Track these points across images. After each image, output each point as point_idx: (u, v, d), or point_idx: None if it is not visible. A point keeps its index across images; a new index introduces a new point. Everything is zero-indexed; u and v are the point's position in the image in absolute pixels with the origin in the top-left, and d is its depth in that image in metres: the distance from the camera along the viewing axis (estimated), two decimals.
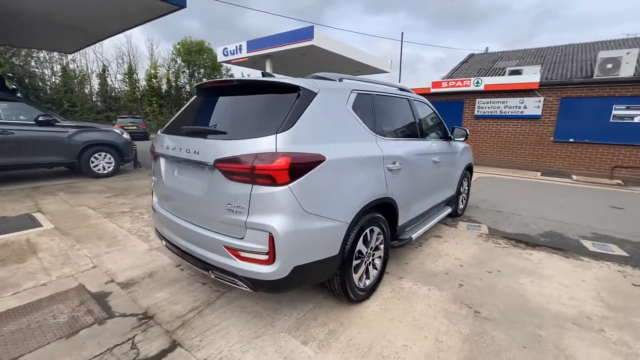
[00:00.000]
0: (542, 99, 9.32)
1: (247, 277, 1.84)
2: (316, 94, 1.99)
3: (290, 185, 1.73)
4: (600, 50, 13.07)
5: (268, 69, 16.85)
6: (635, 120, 8.19)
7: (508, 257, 3.39)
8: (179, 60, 32.31)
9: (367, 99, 2.51)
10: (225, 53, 17.69)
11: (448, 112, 10.98)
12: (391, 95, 2.94)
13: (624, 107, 8.31)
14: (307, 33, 13.80)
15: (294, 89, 1.97)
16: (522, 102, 9.64)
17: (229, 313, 2.30)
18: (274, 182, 1.72)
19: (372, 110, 2.52)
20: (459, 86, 10.43)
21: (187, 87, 33.08)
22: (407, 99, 3.22)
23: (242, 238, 1.83)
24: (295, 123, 1.83)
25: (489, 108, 10.25)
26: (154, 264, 3.00)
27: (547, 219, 4.81)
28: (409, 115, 3.16)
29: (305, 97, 1.94)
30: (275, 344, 1.99)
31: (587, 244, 3.84)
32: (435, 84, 10.98)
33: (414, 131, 3.19)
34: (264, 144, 1.76)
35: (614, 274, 3.08)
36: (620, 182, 8.16)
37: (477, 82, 10.11)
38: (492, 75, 12.05)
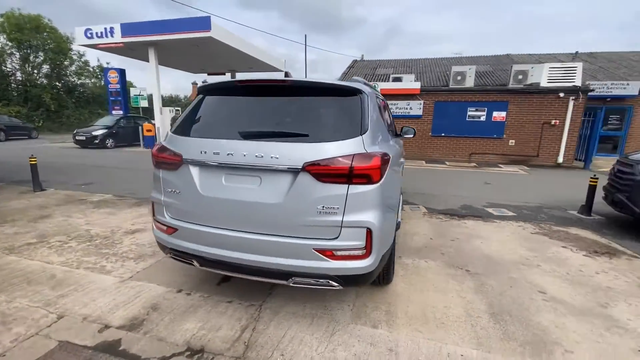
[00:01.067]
0: (422, 102, 11.61)
1: (339, 275, 1.86)
2: (368, 96, 2.14)
3: (380, 182, 1.86)
4: (450, 64, 17.05)
5: (152, 59, 14.76)
6: (482, 119, 11.27)
7: (455, 228, 4.31)
8: (1, 38, 24.06)
9: (377, 101, 2.79)
10: (89, 35, 14.53)
11: None
12: (381, 97, 3.30)
13: (474, 109, 11.29)
14: (203, 23, 12.81)
15: (355, 91, 2.07)
16: (408, 104, 11.73)
17: (285, 322, 2.21)
18: (369, 181, 1.81)
19: (381, 111, 2.81)
20: None
21: (20, 74, 25.08)
22: (384, 100, 3.65)
23: (336, 237, 1.84)
24: (368, 125, 1.95)
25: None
26: (145, 296, 2.49)
27: (455, 196, 6.21)
28: (388, 116, 3.61)
29: (364, 100, 2.07)
30: (353, 335, 2.08)
31: (490, 210, 5.23)
32: None
33: (394, 130, 3.66)
34: (355, 146, 1.83)
35: (517, 229, 4.36)
36: (475, 164, 11.06)
37: (374, 87, 11.68)
38: (376, 80, 14.07)
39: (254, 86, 2.18)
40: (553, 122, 10.47)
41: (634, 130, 12.51)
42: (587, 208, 5.02)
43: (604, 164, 10.99)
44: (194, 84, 32.15)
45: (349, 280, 1.91)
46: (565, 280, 2.89)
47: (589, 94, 10.42)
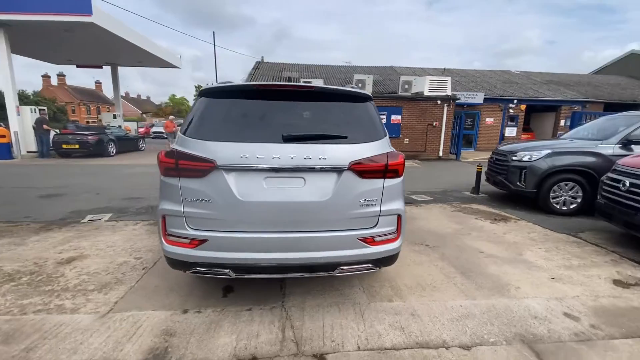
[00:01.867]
0: None
1: (377, 259, 2.13)
2: (373, 101, 2.47)
3: (403, 175, 2.21)
4: (349, 72, 18.86)
5: (1, 44, 11.34)
6: (383, 122, 12.99)
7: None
8: None
9: None
10: None
11: None
12: None
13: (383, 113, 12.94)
14: (81, 5, 10.62)
15: (367, 97, 2.35)
16: None
17: (316, 314, 2.33)
18: (397, 175, 2.14)
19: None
20: None
21: None
22: None
23: (375, 225, 2.10)
24: (384, 126, 2.28)
25: None
26: (148, 324, 2.19)
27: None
28: None
29: (373, 105, 2.39)
30: (379, 311, 2.38)
31: (414, 197, 6.28)
32: None
33: None
34: (383, 146, 2.13)
35: (440, 209, 5.44)
36: None
37: None
38: (282, 83, 14.52)
39: (274, 90, 2.22)
40: (435, 124, 13.03)
41: (482, 130, 16.68)
42: (477, 189, 6.63)
43: (468, 155, 14.36)
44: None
45: (384, 262, 2.21)
46: (490, 242, 3.89)
47: (456, 101, 13.40)
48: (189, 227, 2.04)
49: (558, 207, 5.08)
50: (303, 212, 2.03)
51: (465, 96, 15.49)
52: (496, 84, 18.45)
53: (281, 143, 2.02)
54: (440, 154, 13.36)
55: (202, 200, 2.00)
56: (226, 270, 2.05)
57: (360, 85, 13.98)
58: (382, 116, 12.47)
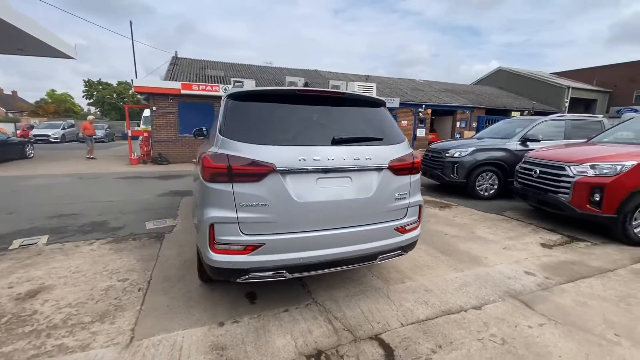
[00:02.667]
0: None
1: (406, 245, 2.43)
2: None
3: (421, 171, 2.56)
4: (275, 73, 18.89)
5: None
6: None
7: None
8: None
9: None
10: None
11: (200, 113, 11.58)
12: None
13: None
14: None
15: (383, 103, 2.63)
16: None
17: (351, 304, 2.52)
18: (418, 171, 2.47)
19: None
20: (209, 90, 11.29)
21: None
22: None
23: (405, 216, 2.40)
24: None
25: None
26: (188, 343, 2.05)
27: None
28: None
29: (386, 109, 2.69)
30: (400, 292, 2.70)
31: None
32: (186, 86, 11.06)
33: None
34: (407, 146, 2.44)
35: None
36: None
37: (225, 89, 11.51)
38: (210, 82, 13.73)
39: (310, 96, 2.32)
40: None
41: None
42: None
43: None
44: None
45: (410, 247, 2.53)
46: (447, 225, 4.63)
47: None
48: (243, 233, 1.99)
49: (482, 193, 6.30)
50: (351, 209, 2.20)
51: (386, 100, 17.26)
52: (407, 91, 21.07)
53: (330, 145, 2.15)
54: None
55: (258, 204, 1.98)
56: (282, 272, 2.07)
57: (292, 87, 14.28)
58: None
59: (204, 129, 4.88)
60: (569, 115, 6.83)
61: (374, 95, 14.22)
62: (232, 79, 13.64)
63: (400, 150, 2.39)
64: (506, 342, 2.09)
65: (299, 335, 2.14)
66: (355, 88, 13.81)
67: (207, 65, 19.05)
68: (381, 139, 2.36)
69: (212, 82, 12.95)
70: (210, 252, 2.01)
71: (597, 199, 3.86)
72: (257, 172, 1.98)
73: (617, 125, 5.39)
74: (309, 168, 2.07)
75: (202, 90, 11.18)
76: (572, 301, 2.60)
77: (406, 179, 2.41)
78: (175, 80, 12.35)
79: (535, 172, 4.64)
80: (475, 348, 2.03)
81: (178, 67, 17.91)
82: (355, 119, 2.46)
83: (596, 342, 2.10)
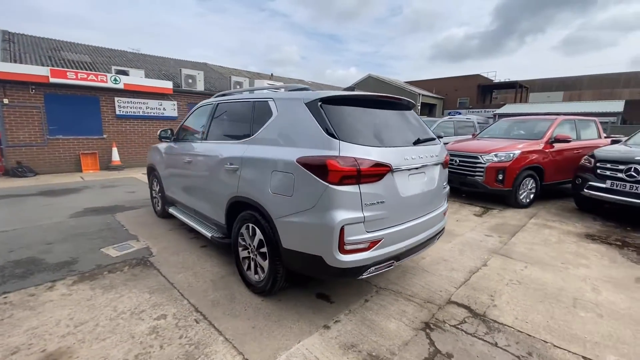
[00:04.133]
0: (175, 102, 11.04)
1: (444, 226, 2.99)
2: None
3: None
4: (162, 64, 16.54)
5: None
6: None
7: None
8: None
9: None
10: None
11: (79, 108, 9.15)
12: None
13: None
14: None
15: (413, 105, 3.07)
16: (161, 105, 10.66)
17: (408, 281, 2.91)
18: (445, 165, 3.06)
19: None
20: (92, 80, 8.96)
21: None
22: None
23: (445, 202, 2.94)
24: None
25: (131, 108, 10.05)
26: (317, 352, 2.03)
27: None
28: None
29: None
30: (431, 267, 3.27)
31: None
32: (57, 73, 8.42)
33: None
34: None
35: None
36: None
37: (116, 80, 9.42)
38: (73, 68, 11.08)
39: (381, 101, 2.54)
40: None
41: None
42: None
43: None
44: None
45: (444, 229, 3.10)
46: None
47: None
48: (367, 231, 2.10)
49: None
50: (428, 198, 2.60)
51: None
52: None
53: (413, 146, 2.48)
54: None
55: (377, 202, 2.13)
56: (392, 262, 2.29)
57: (190, 81, 13.01)
58: None
59: (169, 130, 4.21)
60: (455, 118, 9.04)
61: None
62: (114, 67, 11.27)
63: (443, 148, 2.93)
64: (521, 282, 2.95)
65: (398, 316, 2.41)
66: (264, 86, 13.71)
67: (61, 47, 14.83)
68: (435, 139, 2.85)
69: (75, 68, 10.25)
70: (340, 254, 2.04)
71: (501, 178, 5.50)
72: (379, 172, 2.13)
73: (490, 125, 7.59)
74: (408, 167, 2.35)
75: (83, 79, 8.84)
76: (525, 249, 3.78)
77: (446, 172, 2.97)
78: (20, 63, 9.28)
79: (455, 162, 6.10)
80: (510, 290, 2.80)
81: (17, 45, 13.29)
82: (409, 121, 2.82)
83: (558, 269, 3.23)
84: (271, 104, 2.67)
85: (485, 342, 2.13)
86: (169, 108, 10.93)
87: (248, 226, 2.66)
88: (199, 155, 3.43)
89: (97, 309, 2.45)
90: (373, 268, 2.21)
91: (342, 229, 2.03)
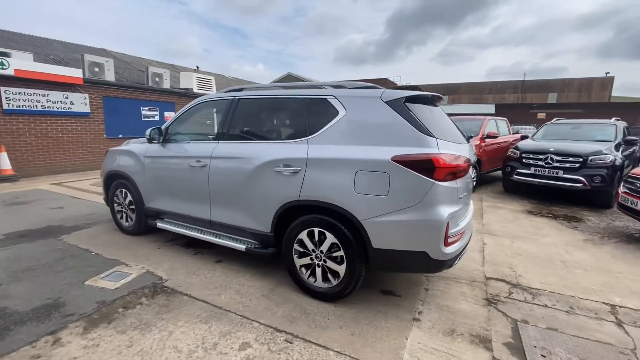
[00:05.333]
0: (87, 95, 8.97)
1: None
2: None
3: None
4: (62, 49, 13.27)
5: None
6: (156, 119, 11.10)
7: None
8: None
9: None
10: None
11: None
12: None
13: (147, 109, 10.80)
14: None
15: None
16: (67, 97, 8.50)
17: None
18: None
19: None
20: None
21: None
22: None
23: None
24: None
25: (26, 101, 7.71)
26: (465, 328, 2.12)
27: None
28: None
29: None
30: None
31: None
32: None
33: None
34: None
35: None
36: None
37: (2, 64, 7.10)
38: None
39: (431, 98, 2.67)
40: (207, 122, 13.10)
41: None
42: None
43: None
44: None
45: None
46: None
47: None
48: (458, 223, 2.26)
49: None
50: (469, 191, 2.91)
51: None
52: (222, 87, 20.84)
53: (466, 144, 2.72)
54: None
55: (463, 196, 2.31)
56: (465, 249, 2.51)
57: (97, 69, 10.90)
58: (152, 112, 10.85)
59: (158, 130, 3.57)
60: None
61: (214, 89, 13.43)
62: (11, 52, 8.54)
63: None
64: (521, 254, 3.59)
65: (463, 297, 2.67)
66: (193, 80, 12.42)
67: None
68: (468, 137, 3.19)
69: None
70: (445, 247, 2.15)
71: None
72: (467, 168, 2.31)
73: None
74: (470, 162, 2.59)
75: None
76: (499, 227, 4.56)
77: None
78: None
79: None
80: (518, 262, 3.38)
81: None
82: (449, 121, 3.02)
83: (533, 241, 4.03)
84: (333, 101, 2.56)
85: (539, 305, 2.57)
86: (79, 102, 8.87)
87: (312, 231, 2.52)
88: (220, 158, 3.00)
89: (155, 355, 1.96)
90: (458, 257, 2.40)
91: (447, 224, 2.16)
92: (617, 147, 5.99)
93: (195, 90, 12.47)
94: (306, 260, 2.61)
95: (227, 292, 2.71)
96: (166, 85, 12.00)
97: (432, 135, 2.21)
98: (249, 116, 3.09)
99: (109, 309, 2.44)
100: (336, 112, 2.52)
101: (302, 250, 2.61)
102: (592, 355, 2.01)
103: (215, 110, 3.62)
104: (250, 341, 2.09)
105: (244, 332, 2.18)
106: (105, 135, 9.71)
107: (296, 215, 2.61)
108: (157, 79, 12.34)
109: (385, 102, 2.36)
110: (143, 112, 10.69)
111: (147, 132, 3.53)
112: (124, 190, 3.95)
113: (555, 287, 2.87)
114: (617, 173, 5.61)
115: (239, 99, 3.11)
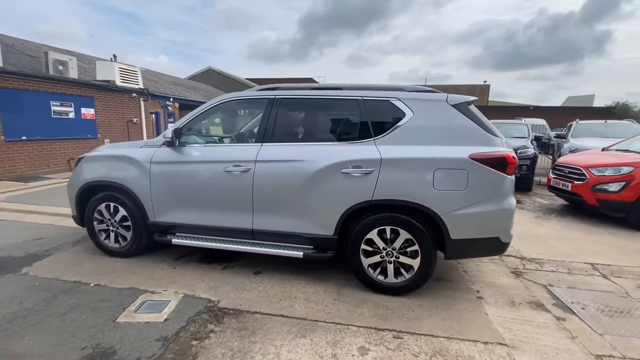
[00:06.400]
0: None
1: None
2: None
3: None
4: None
5: None
6: (70, 116, 9.03)
7: None
8: None
9: None
10: None
11: None
12: None
13: (59, 104, 8.70)
14: None
15: None
16: None
17: None
18: None
19: None
20: None
21: None
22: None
23: None
24: None
25: None
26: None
27: None
28: None
29: None
30: None
31: None
32: None
33: None
34: None
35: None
36: None
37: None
38: None
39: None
40: (135, 120, 11.35)
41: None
42: None
43: None
44: None
45: None
46: None
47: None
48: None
49: None
50: None
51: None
52: (158, 80, 18.27)
53: None
54: None
55: (510, 186, 2.70)
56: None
57: (61, 67, 8.85)
58: (66, 108, 9.00)
59: (174, 132, 3.12)
60: None
61: (140, 82, 11.77)
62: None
63: None
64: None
65: (497, 274, 3.13)
66: (115, 71, 10.59)
67: None
68: None
69: None
70: (511, 232, 2.50)
71: None
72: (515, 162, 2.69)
73: None
74: None
75: None
76: None
77: None
78: None
79: None
80: (516, 240, 4.07)
81: None
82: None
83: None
84: (397, 103, 2.67)
85: (548, 271, 3.20)
86: None
87: (384, 230, 2.60)
88: (268, 162, 2.79)
89: None
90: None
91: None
92: (532, 142, 7.61)
93: (119, 83, 10.67)
94: (375, 259, 2.68)
95: (297, 302, 2.58)
96: (73, 75, 9.81)
97: (497, 135, 2.55)
98: (297, 117, 2.96)
99: (179, 344, 2.07)
100: (402, 114, 2.65)
101: (370, 249, 2.67)
102: (610, 302, 2.65)
103: (245, 110, 3.32)
104: (364, 344, 2.09)
105: (350, 338, 2.15)
106: (3, 137, 7.55)
107: (362, 215, 2.65)
108: (60, 67, 9.94)
109: (452, 105, 2.60)
110: (54, 109, 8.66)
111: (169, 133, 3.00)
112: (112, 204, 3.26)
113: (548, 255, 3.61)
114: (535, 163, 7.15)
115: (281, 98, 2.94)
